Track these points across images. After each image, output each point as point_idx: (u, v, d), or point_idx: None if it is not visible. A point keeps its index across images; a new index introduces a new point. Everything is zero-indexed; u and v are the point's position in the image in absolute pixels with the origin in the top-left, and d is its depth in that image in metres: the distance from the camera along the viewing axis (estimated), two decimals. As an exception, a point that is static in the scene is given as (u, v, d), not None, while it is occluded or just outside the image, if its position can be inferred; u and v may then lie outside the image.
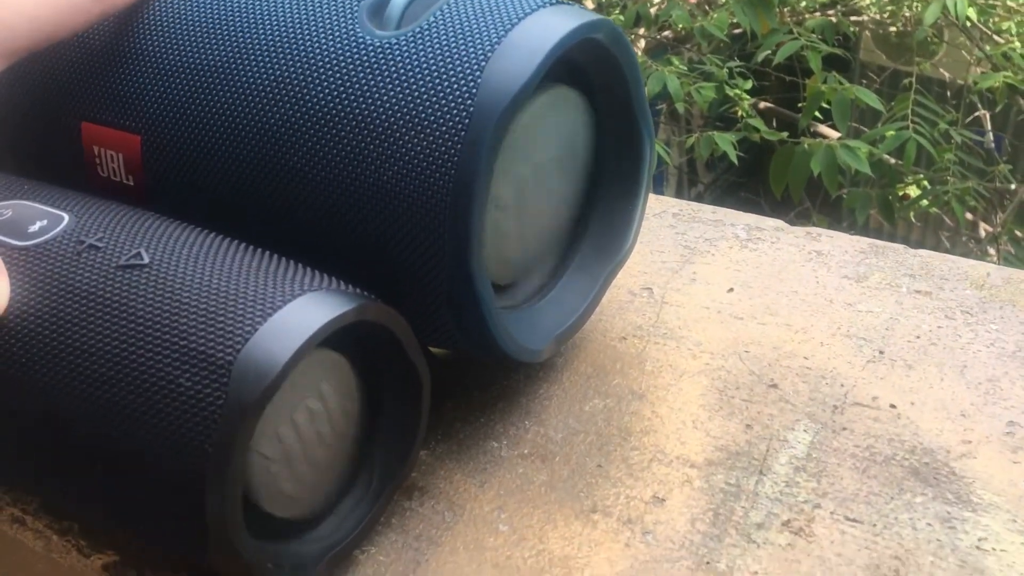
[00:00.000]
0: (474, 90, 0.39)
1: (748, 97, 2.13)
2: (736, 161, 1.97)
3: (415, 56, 0.40)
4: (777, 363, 0.49)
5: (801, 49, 1.95)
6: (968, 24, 2.07)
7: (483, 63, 0.39)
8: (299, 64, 0.42)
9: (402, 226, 0.40)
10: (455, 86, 0.39)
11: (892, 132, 1.86)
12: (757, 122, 2.01)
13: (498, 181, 0.42)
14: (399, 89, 0.40)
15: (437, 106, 0.39)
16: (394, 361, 0.41)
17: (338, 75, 0.41)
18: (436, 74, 0.40)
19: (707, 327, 0.51)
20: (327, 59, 0.41)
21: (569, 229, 0.49)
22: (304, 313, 0.36)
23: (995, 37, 2.16)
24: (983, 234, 2.21)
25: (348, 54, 0.41)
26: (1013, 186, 2.11)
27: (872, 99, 1.86)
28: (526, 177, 0.44)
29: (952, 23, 2.05)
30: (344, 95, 0.41)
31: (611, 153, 0.49)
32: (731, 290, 0.54)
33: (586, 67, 0.46)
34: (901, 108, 1.94)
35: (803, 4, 2.26)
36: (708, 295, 0.54)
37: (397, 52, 0.41)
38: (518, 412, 0.47)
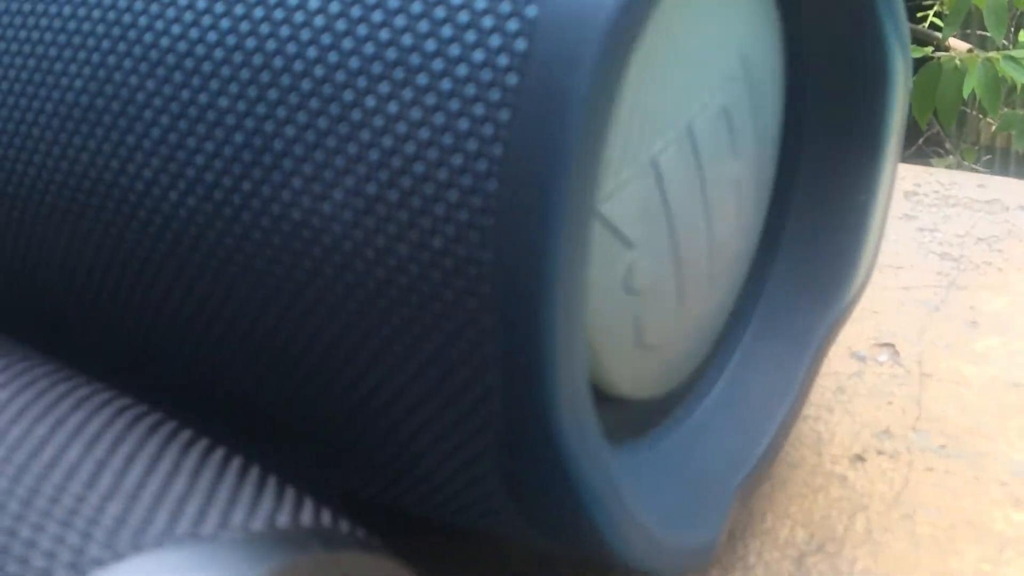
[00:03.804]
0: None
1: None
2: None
3: None
4: None
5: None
6: None
7: None
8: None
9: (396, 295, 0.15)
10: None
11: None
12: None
13: (612, 170, 0.17)
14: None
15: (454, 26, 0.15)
16: None
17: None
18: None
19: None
20: None
21: (749, 257, 0.24)
22: None
23: None
24: None
25: None
26: None
27: (1035, -3, 1.54)
28: (670, 163, 0.19)
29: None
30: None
31: (821, 91, 0.24)
32: (1062, 346, 0.28)
33: None
34: (1063, 10, 1.62)
35: None
36: (1017, 357, 0.28)
37: None
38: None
